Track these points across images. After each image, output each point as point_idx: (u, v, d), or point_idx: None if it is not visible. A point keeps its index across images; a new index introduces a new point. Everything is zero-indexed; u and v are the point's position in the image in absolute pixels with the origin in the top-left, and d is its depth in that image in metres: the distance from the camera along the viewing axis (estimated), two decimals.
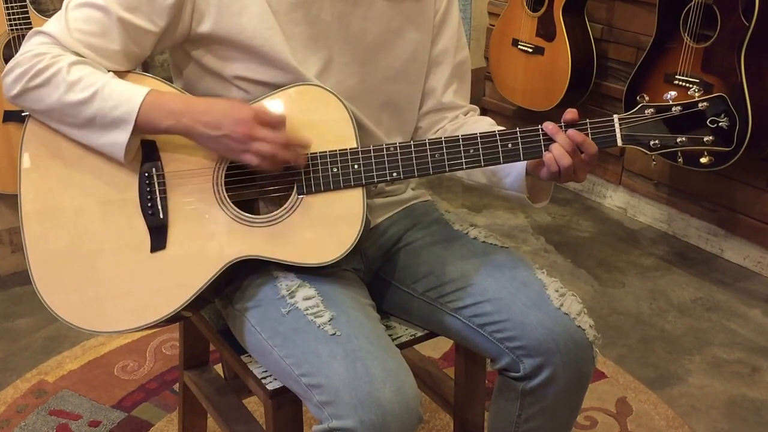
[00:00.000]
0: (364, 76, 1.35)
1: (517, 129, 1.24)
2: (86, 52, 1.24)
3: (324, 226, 1.25)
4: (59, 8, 1.28)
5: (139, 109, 1.19)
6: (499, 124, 1.43)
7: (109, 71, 1.24)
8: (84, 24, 1.23)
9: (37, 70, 1.21)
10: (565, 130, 1.23)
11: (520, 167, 1.31)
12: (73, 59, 1.22)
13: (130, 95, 1.20)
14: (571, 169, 1.22)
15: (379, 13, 1.35)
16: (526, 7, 2.98)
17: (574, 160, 1.22)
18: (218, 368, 1.75)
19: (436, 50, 1.43)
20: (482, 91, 3.62)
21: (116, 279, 1.25)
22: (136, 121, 1.20)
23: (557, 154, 1.22)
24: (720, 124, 1.21)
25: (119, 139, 1.21)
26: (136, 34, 1.25)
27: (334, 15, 1.31)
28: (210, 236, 1.26)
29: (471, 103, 1.51)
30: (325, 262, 1.24)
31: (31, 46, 1.24)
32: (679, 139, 1.22)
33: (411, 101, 1.43)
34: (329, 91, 1.27)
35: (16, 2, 2.28)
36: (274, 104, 1.27)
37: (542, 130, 1.23)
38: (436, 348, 2.21)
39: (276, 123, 1.22)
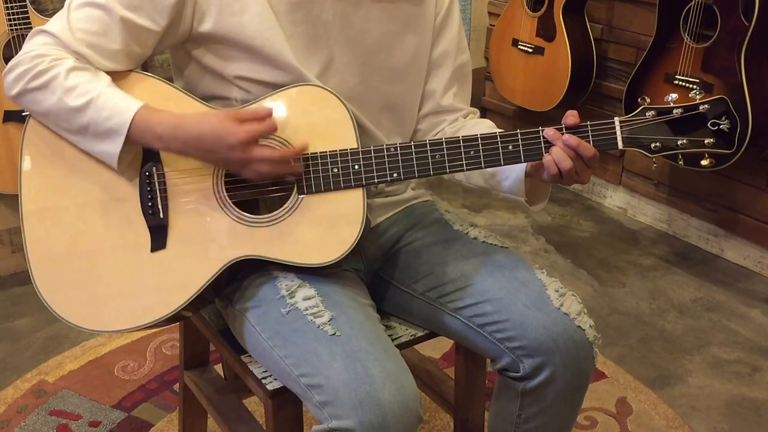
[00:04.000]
0: (365, 76, 1.35)
1: (518, 131, 1.24)
2: (88, 52, 1.24)
3: (324, 226, 1.25)
4: (59, 8, 1.29)
5: (131, 123, 1.20)
6: (498, 124, 1.43)
7: (107, 77, 1.24)
8: (86, 24, 1.23)
9: (36, 72, 1.21)
10: (565, 134, 1.22)
11: (518, 170, 1.31)
12: (72, 64, 1.22)
13: (123, 108, 1.21)
14: (572, 172, 1.22)
15: (379, 15, 1.35)
16: (526, 7, 2.98)
17: (575, 163, 1.22)
18: (218, 368, 1.75)
19: (436, 53, 1.43)
20: (482, 91, 3.62)
21: (116, 278, 1.25)
22: (128, 134, 1.20)
23: (557, 156, 1.21)
24: (721, 126, 1.21)
25: (111, 149, 1.22)
26: (138, 33, 1.25)
27: (335, 15, 1.31)
28: (210, 236, 1.26)
29: (471, 103, 1.51)
30: (325, 262, 1.24)
31: (33, 45, 1.24)
32: (679, 142, 1.22)
33: (411, 103, 1.43)
34: (330, 91, 1.27)
35: (15, 2, 2.28)
36: (275, 104, 1.27)
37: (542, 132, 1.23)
38: (436, 348, 2.20)
39: (269, 130, 1.21)
